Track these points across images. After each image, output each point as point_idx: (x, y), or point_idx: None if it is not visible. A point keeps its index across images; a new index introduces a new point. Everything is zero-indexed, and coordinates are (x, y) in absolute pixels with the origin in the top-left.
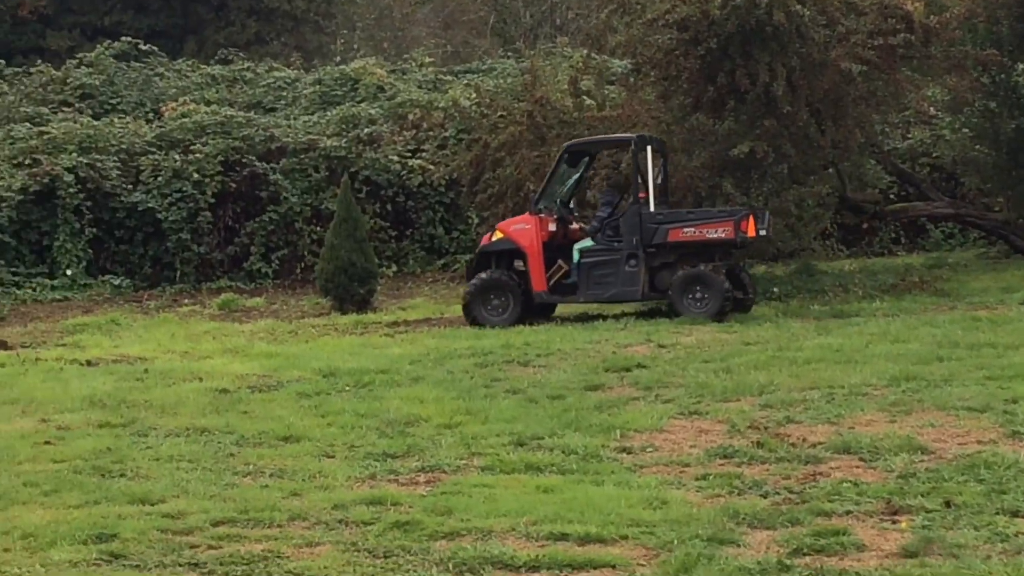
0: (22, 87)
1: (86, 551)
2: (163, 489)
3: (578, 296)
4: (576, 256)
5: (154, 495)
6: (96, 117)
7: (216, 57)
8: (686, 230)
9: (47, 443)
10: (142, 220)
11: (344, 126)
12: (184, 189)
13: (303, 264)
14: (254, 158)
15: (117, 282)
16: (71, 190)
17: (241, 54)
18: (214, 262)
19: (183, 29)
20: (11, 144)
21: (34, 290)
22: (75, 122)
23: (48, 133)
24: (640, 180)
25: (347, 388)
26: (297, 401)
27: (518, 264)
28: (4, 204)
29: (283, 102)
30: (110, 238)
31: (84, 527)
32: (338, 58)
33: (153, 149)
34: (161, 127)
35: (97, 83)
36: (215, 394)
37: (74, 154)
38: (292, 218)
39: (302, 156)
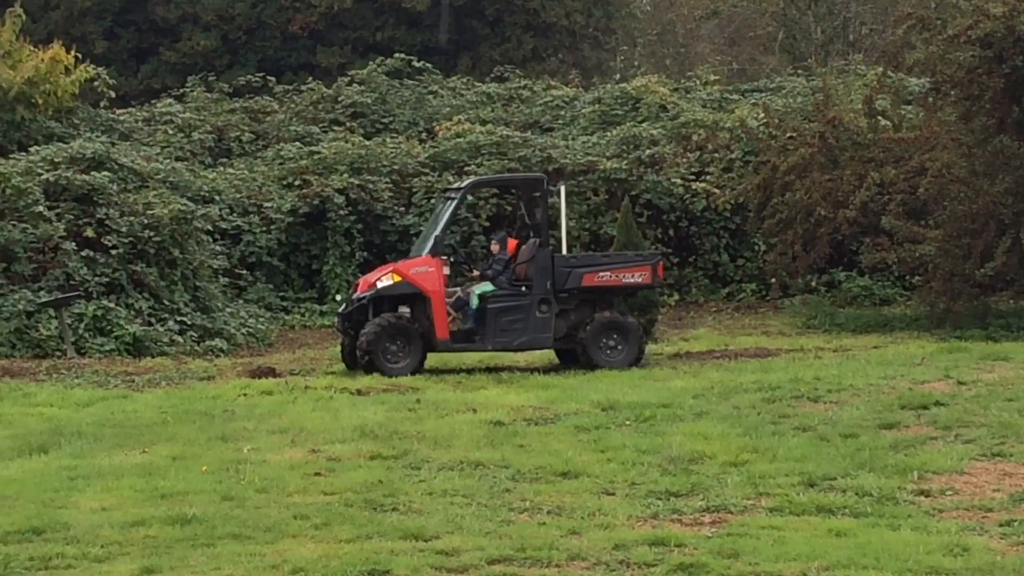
0: (292, 105)
1: None
2: (437, 525)
3: (484, 343)
4: (476, 302)
5: (427, 531)
6: (367, 136)
7: (491, 74)
8: (602, 274)
9: (317, 474)
10: (414, 243)
11: (624, 147)
12: (457, 212)
13: None
14: None
15: None
16: (341, 212)
17: (517, 71)
18: None
19: (457, 45)
20: (280, 164)
21: (303, 315)
22: (346, 141)
23: (319, 153)
24: (546, 222)
25: (627, 422)
26: (575, 435)
27: (403, 310)
28: (273, 226)
29: (561, 121)
30: (380, 262)
31: (356, 562)
32: (618, 76)
33: (426, 170)
34: (434, 147)
35: (369, 101)
36: (489, 426)
37: (345, 175)
38: (570, 243)
39: (580, 178)
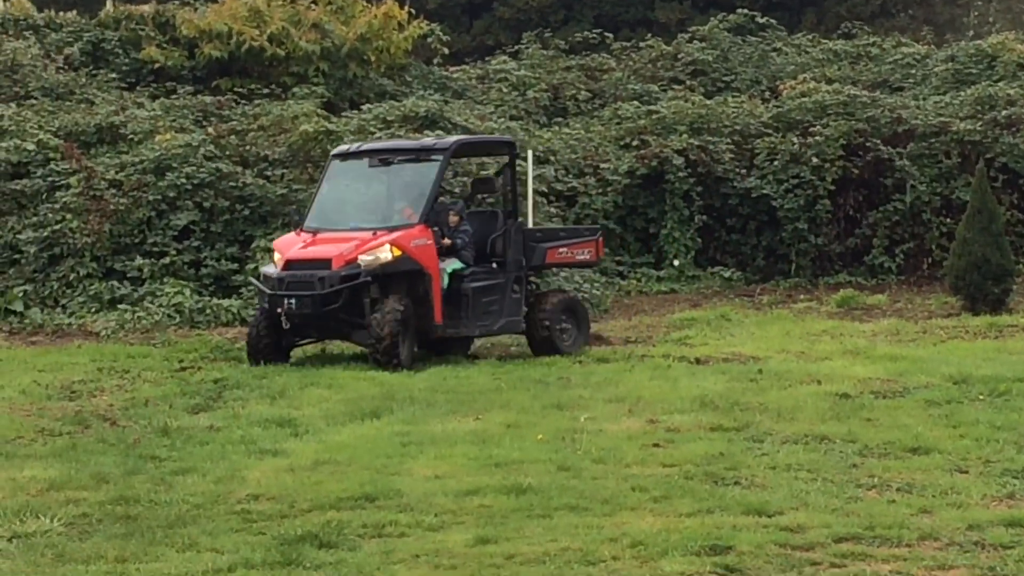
0: (630, 63)
1: (699, 563)
2: (780, 500)
3: (467, 328)
4: (446, 280)
5: (771, 506)
6: (708, 95)
7: (838, 31)
8: (560, 250)
9: (656, 445)
10: (755, 208)
11: (979, 107)
12: (802, 175)
13: (930, 259)
14: (878, 141)
15: (727, 274)
16: (680, 174)
17: (865, 28)
18: (832, 255)
19: (802, 0)
20: (618, 124)
21: (639, 281)
22: (686, 100)
23: (657, 112)
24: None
25: (981, 397)
26: (925, 409)
27: (371, 292)
28: (610, 188)
29: (911, 80)
30: (720, 226)
31: (697, 537)
32: (972, 32)
33: (769, 131)
34: (778, 107)
35: (710, 59)
36: (835, 399)
37: (684, 135)
38: (919, 208)
39: (932, 140)
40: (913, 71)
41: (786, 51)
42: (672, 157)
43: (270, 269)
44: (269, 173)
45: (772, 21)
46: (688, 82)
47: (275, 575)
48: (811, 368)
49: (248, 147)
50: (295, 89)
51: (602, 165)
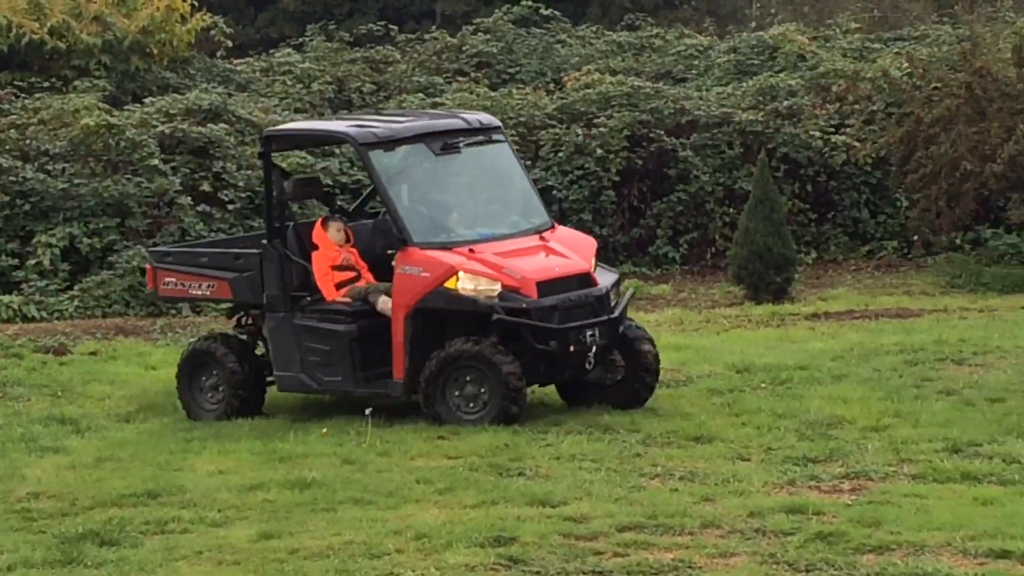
0: (415, 55)
1: (483, 554)
2: (564, 490)
3: None
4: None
5: (555, 496)
6: (493, 87)
7: (622, 23)
8: None
9: (441, 438)
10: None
11: (761, 98)
12: (586, 166)
13: (714, 249)
14: (662, 132)
15: None
16: None
17: (649, 19)
18: (617, 245)
19: None
20: None
21: None
22: (471, 92)
23: (442, 104)
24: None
25: (763, 385)
26: (708, 398)
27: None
28: None
29: (694, 72)
30: None
31: (481, 528)
32: (754, 24)
33: (553, 122)
34: (563, 98)
35: (495, 51)
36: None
37: None
38: (703, 199)
39: (715, 131)
40: (696, 62)
41: (570, 43)
42: None
43: (494, 300)
44: (50, 167)
45: (557, 13)
46: (473, 74)
47: (56, 574)
48: None
49: (28, 141)
50: (76, 82)
51: None
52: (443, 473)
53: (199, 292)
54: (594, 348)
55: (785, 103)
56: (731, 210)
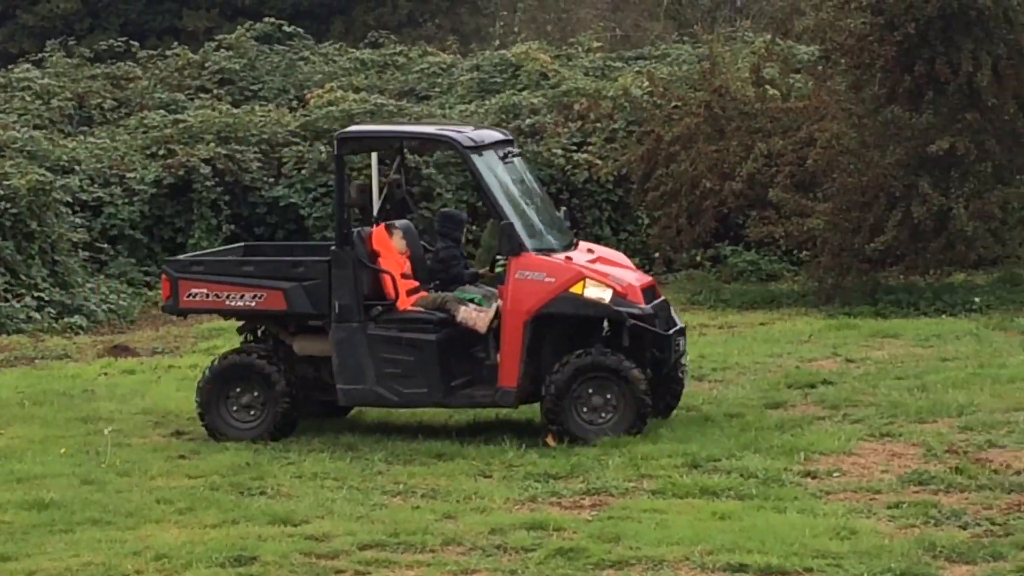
0: (156, 71)
1: (224, 574)
2: (306, 509)
3: None
4: None
5: (296, 515)
6: (236, 104)
7: (365, 40)
8: None
9: (182, 457)
10: (284, 216)
11: (504, 116)
12: (329, 183)
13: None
14: (406, 150)
15: None
16: (208, 183)
17: (392, 37)
18: None
19: (330, 10)
20: (144, 133)
21: None
22: (213, 109)
23: (184, 121)
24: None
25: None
26: (450, 415)
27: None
28: (136, 198)
29: (438, 89)
30: (249, 235)
31: (221, 548)
32: (497, 42)
33: (297, 139)
34: (306, 116)
35: (237, 67)
36: (362, 408)
37: (212, 144)
38: None
39: None
40: (439, 80)
41: (314, 60)
42: (199, 166)
43: (616, 304)
44: None
45: (299, 30)
46: (215, 91)
47: None
48: None
49: None
50: None
51: (128, 174)
52: (183, 493)
53: (240, 304)
54: (680, 355)
55: (528, 121)
56: (475, 227)
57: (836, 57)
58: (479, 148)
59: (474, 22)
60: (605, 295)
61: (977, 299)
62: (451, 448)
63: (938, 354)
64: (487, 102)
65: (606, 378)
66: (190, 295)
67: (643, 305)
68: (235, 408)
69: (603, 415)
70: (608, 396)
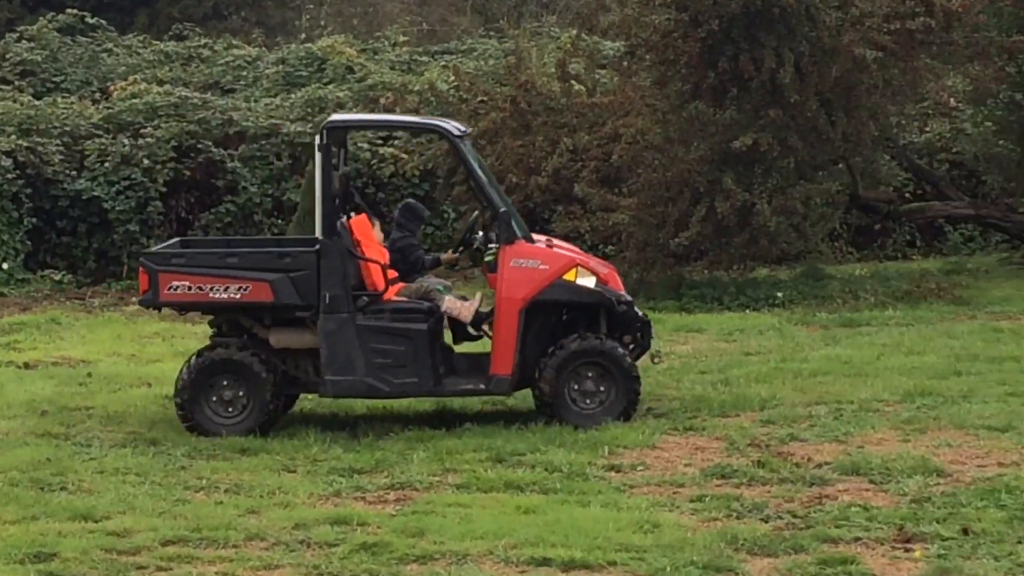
0: None
1: (23, 571)
2: (107, 505)
3: None
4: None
5: (98, 511)
6: (37, 96)
7: (170, 32)
8: None
9: None
10: (86, 210)
11: (309, 110)
12: (133, 176)
13: None
14: (210, 143)
15: (58, 277)
16: (9, 176)
17: (197, 29)
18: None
19: (133, 2)
20: None
21: None
22: (14, 101)
23: None
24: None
25: (308, 397)
26: None
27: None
28: None
29: (243, 83)
30: (51, 229)
31: (21, 544)
32: (303, 35)
33: (100, 132)
34: (109, 108)
35: (39, 59)
36: (166, 401)
37: (13, 136)
38: (251, 210)
39: (263, 142)
40: (245, 73)
41: (117, 52)
42: (0, 159)
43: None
44: None
45: (103, 22)
46: (17, 82)
47: None
48: (142, 371)
49: None
50: None
51: None
52: None
53: (224, 296)
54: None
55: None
56: (280, 221)
57: (641, 53)
58: (464, 137)
59: (280, 15)
60: (590, 282)
61: (780, 294)
62: (255, 443)
63: (741, 348)
64: (292, 95)
65: (598, 364)
66: (171, 288)
67: (622, 292)
68: (217, 404)
69: (594, 401)
70: (600, 382)
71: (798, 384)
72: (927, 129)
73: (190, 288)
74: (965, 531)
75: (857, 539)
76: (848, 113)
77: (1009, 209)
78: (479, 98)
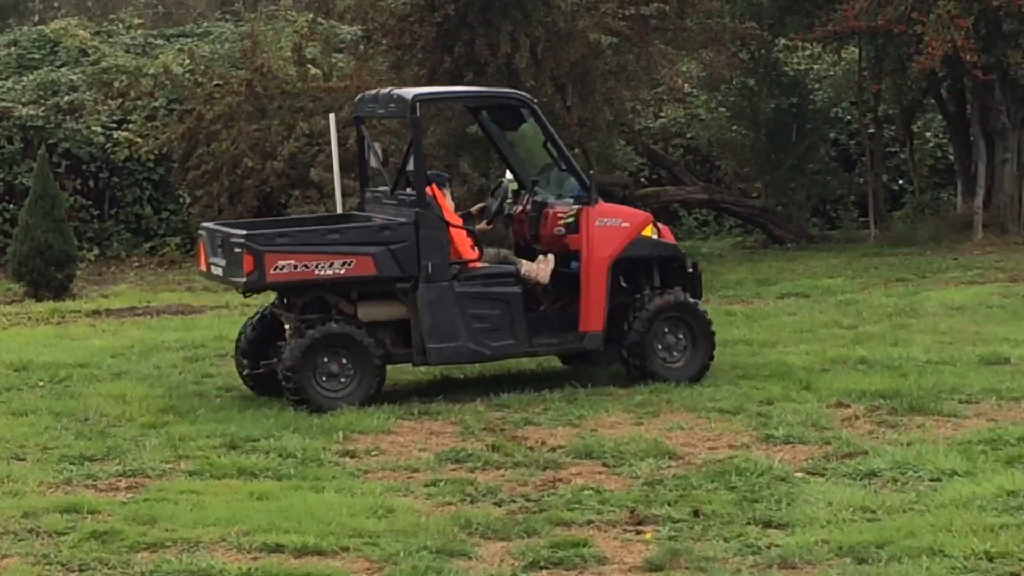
0: None
1: None
2: None
3: None
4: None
5: None
6: None
7: None
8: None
9: None
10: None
11: (42, 93)
12: None
13: None
14: None
15: None
16: None
17: None
18: None
19: None
20: None
21: None
22: None
23: None
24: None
25: (41, 383)
26: None
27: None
28: None
29: None
30: None
31: None
32: (36, 17)
33: None
34: None
35: None
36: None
37: None
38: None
39: None
40: None
41: None
42: None
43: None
44: None
45: None
46: None
47: None
48: None
49: None
50: None
51: None
52: None
53: (329, 272)
54: None
55: (66, 98)
56: (11, 206)
57: (378, 37)
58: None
59: None
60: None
61: None
62: None
63: None
64: (24, 78)
65: (679, 318)
66: (277, 268)
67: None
68: (325, 377)
69: (674, 354)
70: (680, 336)
71: (532, 369)
72: (662, 114)
73: (296, 267)
74: (696, 513)
75: (590, 522)
76: (583, 98)
77: (742, 194)
78: (215, 82)
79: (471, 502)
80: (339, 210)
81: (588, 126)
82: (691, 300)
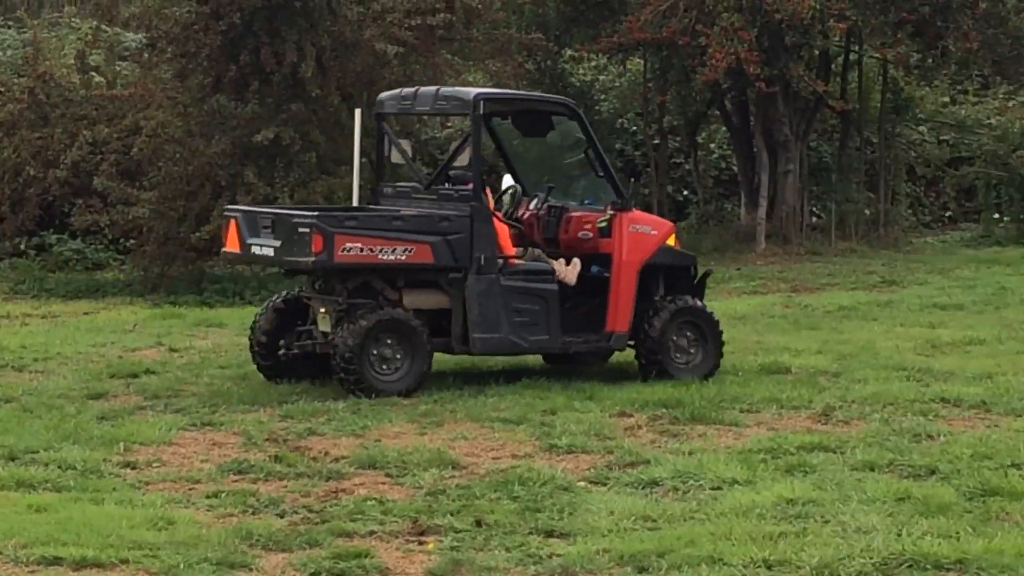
0: None
1: None
2: None
3: None
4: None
5: None
6: None
7: None
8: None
9: None
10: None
11: None
12: None
13: None
14: None
15: None
16: None
17: None
18: None
19: None
20: None
21: None
22: None
23: None
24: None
25: None
26: None
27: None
28: None
29: None
30: None
31: None
32: None
33: None
34: None
35: None
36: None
37: None
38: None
39: None
40: None
41: None
42: None
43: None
44: None
45: None
46: None
47: None
48: None
49: None
50: None
51: None
52: None
53: (391, 258)
54: None
55: None
56: None
57: (162, 45)
58: None
59: None
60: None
61: None
62: None
63: None
64: None
65: (692, 323)
66: (345, 249)
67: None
68: (379, 363)
69: (681, 356)
70: (692, 340)
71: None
72: (449, 124)
73: (362, 250)
74: (478, 523)
75: (372, 532)
76: (370, 108)
77: None
78: None
79: (253, 513)
80: (355, 203)
81: (374, 136)
82: (701, 306)
